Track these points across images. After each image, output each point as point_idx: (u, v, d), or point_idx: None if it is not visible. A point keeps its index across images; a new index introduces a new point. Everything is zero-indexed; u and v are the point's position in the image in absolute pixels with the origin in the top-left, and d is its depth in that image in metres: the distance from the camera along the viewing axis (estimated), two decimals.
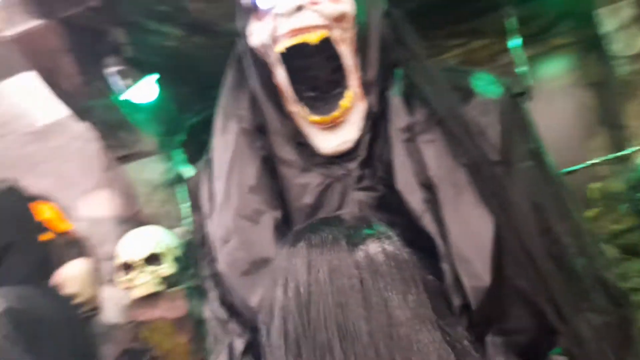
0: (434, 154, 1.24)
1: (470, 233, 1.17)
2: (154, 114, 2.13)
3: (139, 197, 2.38)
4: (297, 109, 1.34)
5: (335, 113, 1.29)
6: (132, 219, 2.41)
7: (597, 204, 2.16)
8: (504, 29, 2.24)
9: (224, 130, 1.38)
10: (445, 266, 1.17)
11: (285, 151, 1.37)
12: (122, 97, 1.93)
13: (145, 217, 2.38)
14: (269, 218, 1.28)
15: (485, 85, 1.33)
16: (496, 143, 1.26)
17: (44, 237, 2.51)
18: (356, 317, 0.93)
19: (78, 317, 2.40)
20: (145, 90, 1.97)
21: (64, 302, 2.33)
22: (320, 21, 1.23)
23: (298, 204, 1.35)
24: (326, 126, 1.31)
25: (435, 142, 1.25)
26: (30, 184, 2.68)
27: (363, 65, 1.31)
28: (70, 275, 2.82)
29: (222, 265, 1.31)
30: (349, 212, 1.09)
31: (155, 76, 1.94)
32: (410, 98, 1.31)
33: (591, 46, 2.03)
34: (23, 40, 1.81)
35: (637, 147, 1.75)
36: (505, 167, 1.25)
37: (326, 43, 1.26)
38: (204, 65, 1.62)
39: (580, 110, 2.23)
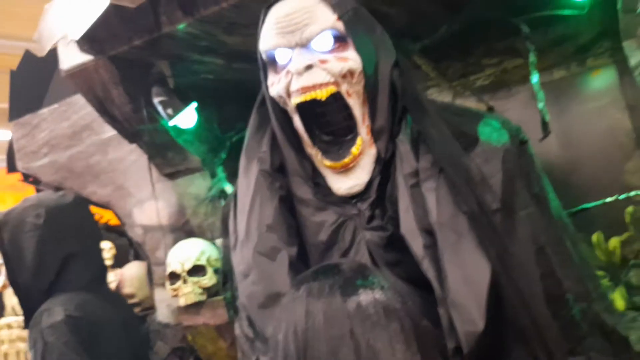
0: (437, 200, 1.31)
1: (467, 279, 1.24)
2: (198, 135, 2.29)
3: (187, 209, 2.56)
4: (313, 152, 1.45)
5: (346, 160, 1.39)
6: (181, 229, 2.60)
7: (630, 228, 2.15)
8: (540, 48, 2.24)
9: (246, 171, 1.50)
10: (441, 310, 1.25)
11: (303, 191, 1.48)
12: (170, 124, 2.09)
13: (192, 228, 2.56)
14: (285, 255, 1.40)
15: (491, 132, 1.38)
16: (497, 191, 1.31)
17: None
18: None
19: (134, 318, 2.64)
20: (188, 116, 2.12)
21: (122, 304, 2.57)
22: (328, 78, 1.32)
23: (314, 240, 1.46)
24: (338, 170, 1.41)
25: (438, 189, 1.32)
26: (94, 192, 2.94)
27: (372, 114, 1.39)
28: (129, 276, 3.08)
29: (242, 297, 1.44)
30: (348, 262, 1.19)
31: (194, 104, 2.08)
32: (418, 144, 1.38)
33: (628, 68, 2.00)
34: (77, 74, 2.00)
35: None
36: (506, 214, 1.31)
37: (335, 96, 1.36)
38: (244, 87, 1.73)
39: (616, 131, 2.21)
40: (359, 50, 1.35)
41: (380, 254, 1.40)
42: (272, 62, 1.41)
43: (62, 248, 2.19)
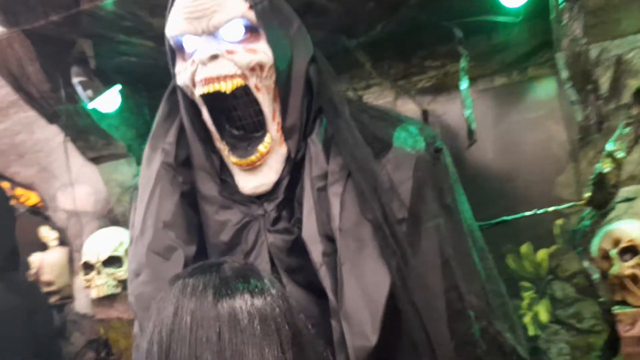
0: (341, 206, 1.24)
1: (365, 291, 1.17)
2: (125, 120, 2.18)
3: (112, 196, 2.45)
4: (222, 147, 1.37)
5: (252, 157, 1.31)
6: (106, 217, 2.49)
7: (557, 242, 2.14)
8: (481, 54, 2.20)
9: (149, 161, 1.42)
10: (333, 322, 1.19)
11: (208, 187, 1.39)
12: (89, 106, 1.98)
13: (117, 216, 2.45)
14: (180, 255, 1.31)
15: (406, 138, 1.32)
16: (406, 200, 1.25)
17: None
18: None
19: (44, 308, 2.51)
20: (110, 99, 2.02)
21: (32, 293, 2.44)
22: (234, 70, 1.24)
23: (215, 240, 1.38)
24: (245, 168, 1.33)
25: (344, 194, 1.25)
26: (17, 172, 2.79)
27: (284, 111, 1.31)
28: (49, 263, 2.94)
29: (130, 297, 1.35)
30: (232, 260, 1.10)
31: (119, 87, 1.98)
32: (330, 146, 1.31)
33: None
34: None
35: (583, 201, 1.72)
36: (412, 224, 1.25)
37: (244, 89, 1.28)
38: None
39: (552, 143, 2.19)
40: (271, 43, 1.27)
41: (281, 258, 1.33)
42: (180, 49, 1.33)
43: None
